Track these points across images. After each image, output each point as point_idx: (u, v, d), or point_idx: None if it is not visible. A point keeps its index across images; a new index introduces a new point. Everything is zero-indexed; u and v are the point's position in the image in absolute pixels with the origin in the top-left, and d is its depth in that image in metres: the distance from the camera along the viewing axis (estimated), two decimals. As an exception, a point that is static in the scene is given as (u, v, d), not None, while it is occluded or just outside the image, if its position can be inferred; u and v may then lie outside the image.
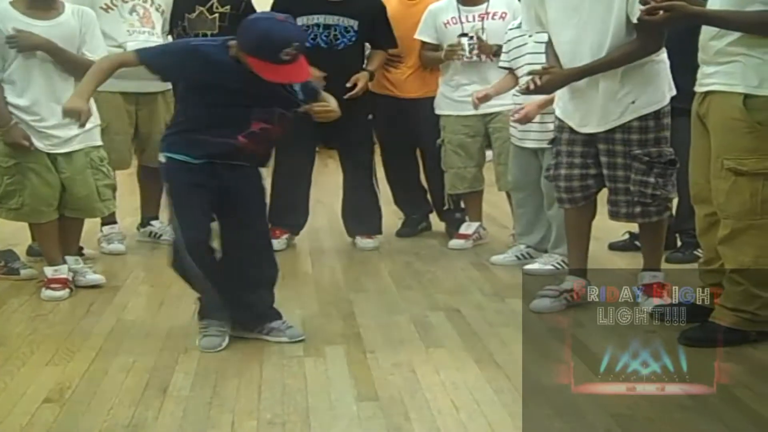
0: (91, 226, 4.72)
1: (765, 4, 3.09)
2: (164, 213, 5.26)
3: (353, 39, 4.85)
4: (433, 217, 5.42)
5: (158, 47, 4.07)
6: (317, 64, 4.10)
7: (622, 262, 4.64)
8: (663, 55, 3.67)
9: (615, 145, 3.68)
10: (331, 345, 3.41)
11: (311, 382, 3.05)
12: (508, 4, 4.81)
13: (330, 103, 3.47)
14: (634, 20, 3.46)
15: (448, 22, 4.87)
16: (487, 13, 4.83)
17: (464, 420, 2.72)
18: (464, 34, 4.78)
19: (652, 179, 3.66)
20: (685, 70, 3.50)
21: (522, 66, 4.41)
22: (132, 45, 4.41)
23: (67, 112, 3.38)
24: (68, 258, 4.22)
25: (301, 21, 4.53)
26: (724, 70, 3.20)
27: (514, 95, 4.49)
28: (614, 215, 3.81)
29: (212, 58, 3.22)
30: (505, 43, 4.55)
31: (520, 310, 3.73)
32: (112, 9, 4.68)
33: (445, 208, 5.22)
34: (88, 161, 4.14)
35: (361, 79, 4.85)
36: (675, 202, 4.08)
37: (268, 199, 3.57)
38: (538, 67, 3.76)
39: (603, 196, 3.85)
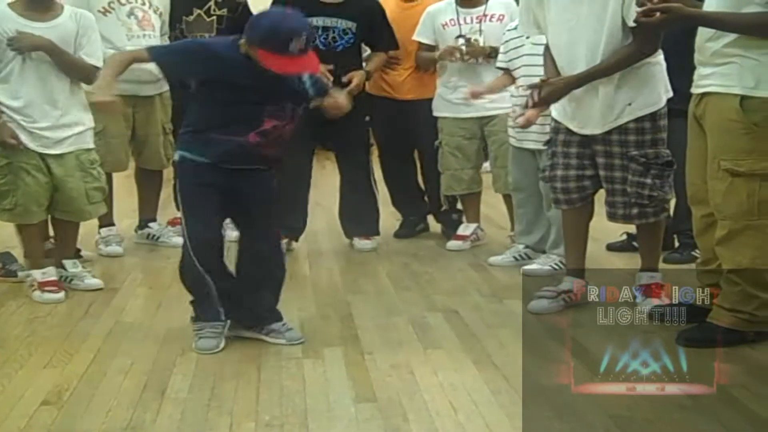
0: (88, 228, 4.71)
1: (761, 5, 3.10)
2: (162, 215, 5.29)
3: (351, 41, 4.84)
4: (431, 219, 5.42)
5: (169, 45, 4.09)
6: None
7: (619, 263, 4.64)
8: (659, 56, 3.67)
9: (612, 146, 3.68)
10: (329, 346, 3.41)
11: (309, 383, 3.05)
12: (506, 6, 4.82)
13: (339, 98, 3.48)
14: (630, 23, 3.46)
15: (446, 24, 4.87)
16: (485, 15, 4.83)
17: (462, 421, 2.72)
18: (462, 36, 4.80)
19: (649, 180, 3.66)
20: (681, 71, 3.50)
21: (519, 67, 4.43)
22: (131, 49, 4.40)
23: (100, 108, 3.36)
24: (66, 262, 4.22)
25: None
26: (720, 71, 3.20)
27: (513, 96, 4.50)
28: (612, 216, 3.82)
29: (222, 55, 3.24)
30: (502, 44, 4.56)
31: (518, 311, 3.73)
32: (109, 12, 4.65)
33: (442, 209, 5.22)
34: (79, 163, 4.13)
35: (356, 77, 4.81)
36: (672, 203, 4.09)
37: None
38: (534, 69, 3.77)
39: (601, 197, 3.86)
